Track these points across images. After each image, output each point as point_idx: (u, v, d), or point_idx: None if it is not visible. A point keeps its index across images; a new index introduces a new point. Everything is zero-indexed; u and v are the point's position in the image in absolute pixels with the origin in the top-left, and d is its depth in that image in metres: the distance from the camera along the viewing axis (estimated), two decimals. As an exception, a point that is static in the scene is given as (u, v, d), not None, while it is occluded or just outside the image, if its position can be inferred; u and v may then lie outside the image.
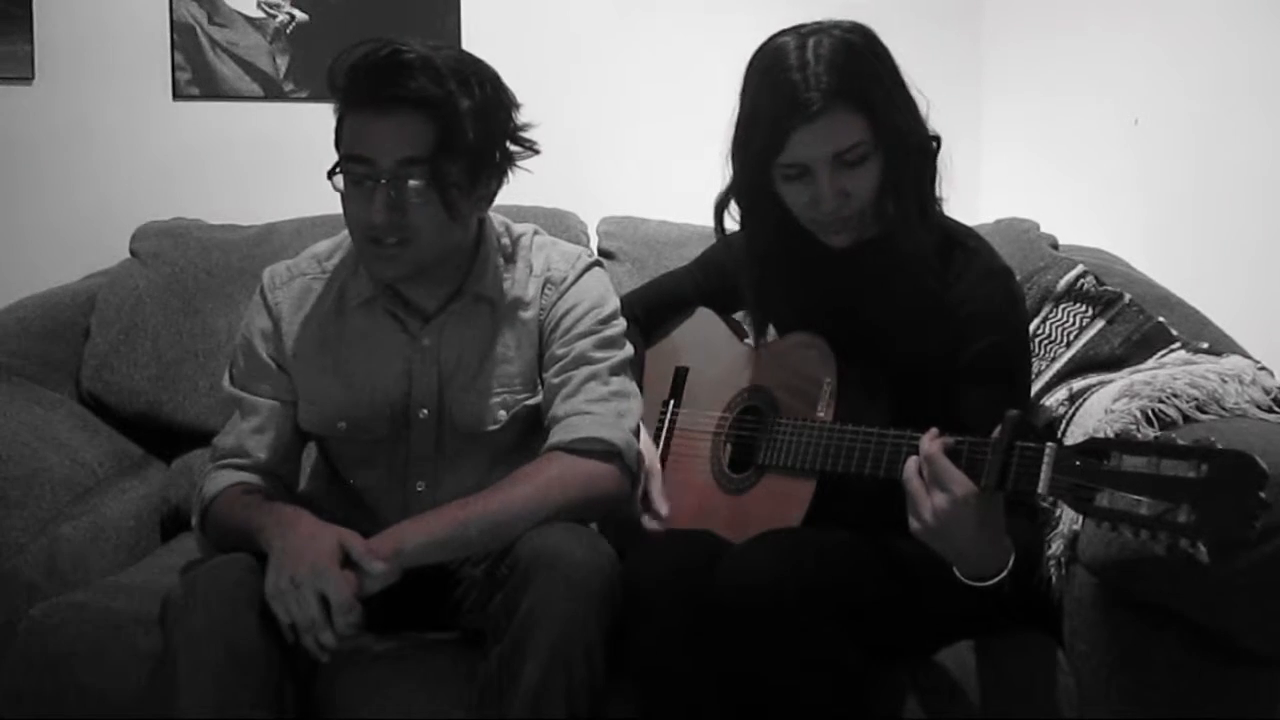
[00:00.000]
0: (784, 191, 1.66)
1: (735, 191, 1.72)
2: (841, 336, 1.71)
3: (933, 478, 1.46)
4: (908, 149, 1.64)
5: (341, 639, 1.51)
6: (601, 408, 1.72)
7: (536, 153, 1.73)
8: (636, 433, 1.76)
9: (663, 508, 1.77)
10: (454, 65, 1.64)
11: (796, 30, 1.63)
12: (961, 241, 1.73)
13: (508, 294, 1.77)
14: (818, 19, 1.65)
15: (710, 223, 2.26)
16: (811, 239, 1.70)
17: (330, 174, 1.66)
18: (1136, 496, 1.31)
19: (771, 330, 1.86)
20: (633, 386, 1.79)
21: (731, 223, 1.78)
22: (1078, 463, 1.38)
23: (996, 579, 1.50)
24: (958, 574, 1.51)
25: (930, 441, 1.48)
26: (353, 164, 1.63)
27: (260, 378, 1.78)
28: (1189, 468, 1.28)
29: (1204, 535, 1.26)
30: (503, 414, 1.76)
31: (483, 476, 1.73)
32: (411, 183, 1.62)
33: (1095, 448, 1.37)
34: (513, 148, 1.71)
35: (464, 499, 1.64)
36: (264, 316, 1.79)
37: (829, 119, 1.58)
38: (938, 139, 1.68)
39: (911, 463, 1.49)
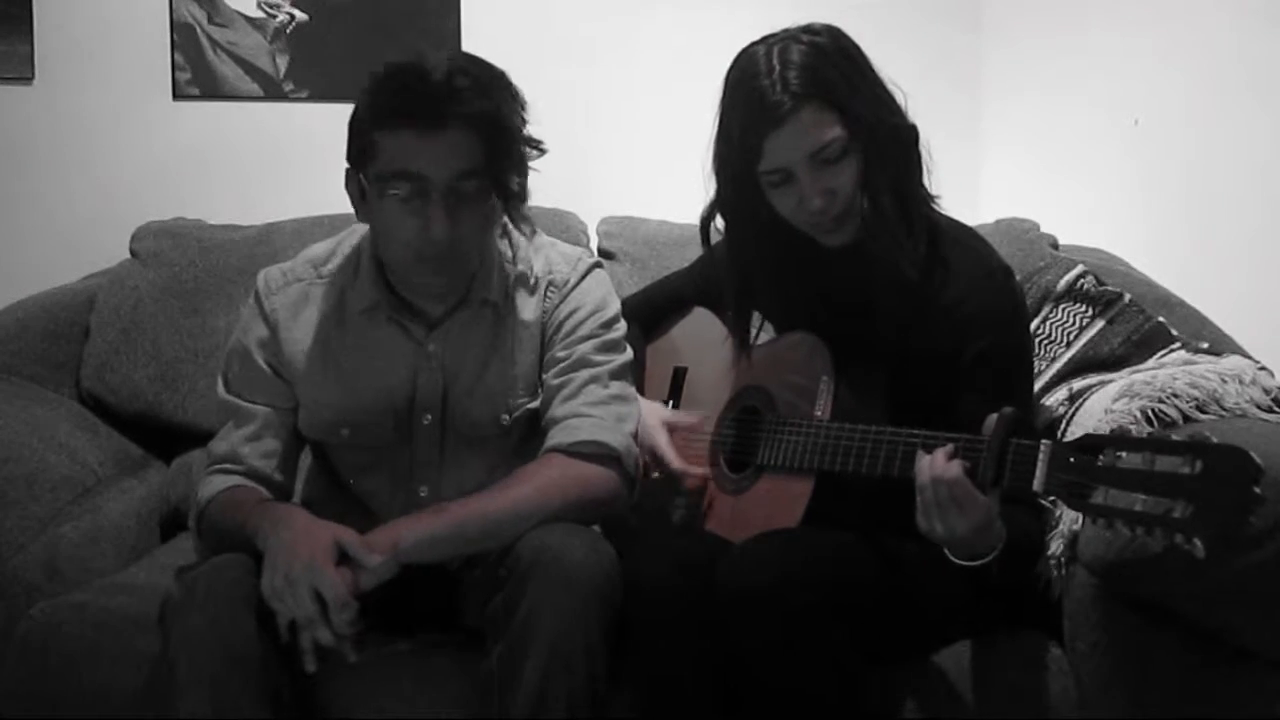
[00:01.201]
0: (772, 199, 1.66)
1: (719, 204, 1.73)
2: (838, 336, 1.71)
3: (954, 500, 1.46)
4: (884, 141, 1.64)
5: (339, 637, 1.51)
6: (601, 411, 1.72)
7: (544, 152, 1.74)
8: (635, 438, 1.75)
9: (672, 459, 1.78)
10: (490, 76, 1.64)
11: (765, 40, 1.65)
12: (960, 240, 1.73)
13: (510, 298, 1.77)
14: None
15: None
16: (803, 239, 1.70)
17: (362, 187, 1.65)
18: (1132, 493, 1.31)
19: (769, 330, 1.86)
20: (632, 391, 1.79)
21: (718, 235, 1.78)
22: (1073, 460, 1.38)
23: (986, 559, 1.51)
24: (948, 554, 1.52)
25: (951, 463, 1.47)
26: (402, 181, 1.61)
27: (256, 385, 1.77)
28: (1184, 463, 1.29)
29: (1199, 531, 1.27)
30: (505, 418, 1.76)
31: (484, 479, 1.72)
32: (466, 194, 1.61)
33: (1091, 445, 1.37)
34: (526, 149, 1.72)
35: (464, 498, 1.64)
36: (260, 323, 1.78)
37: (799, 120, 1.59)
38: (914, 128, 1.68)
39: (925, 472, 1.48)
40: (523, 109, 1.69)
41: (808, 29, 1.65)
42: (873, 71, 1.66)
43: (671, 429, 1.84)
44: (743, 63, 1.65)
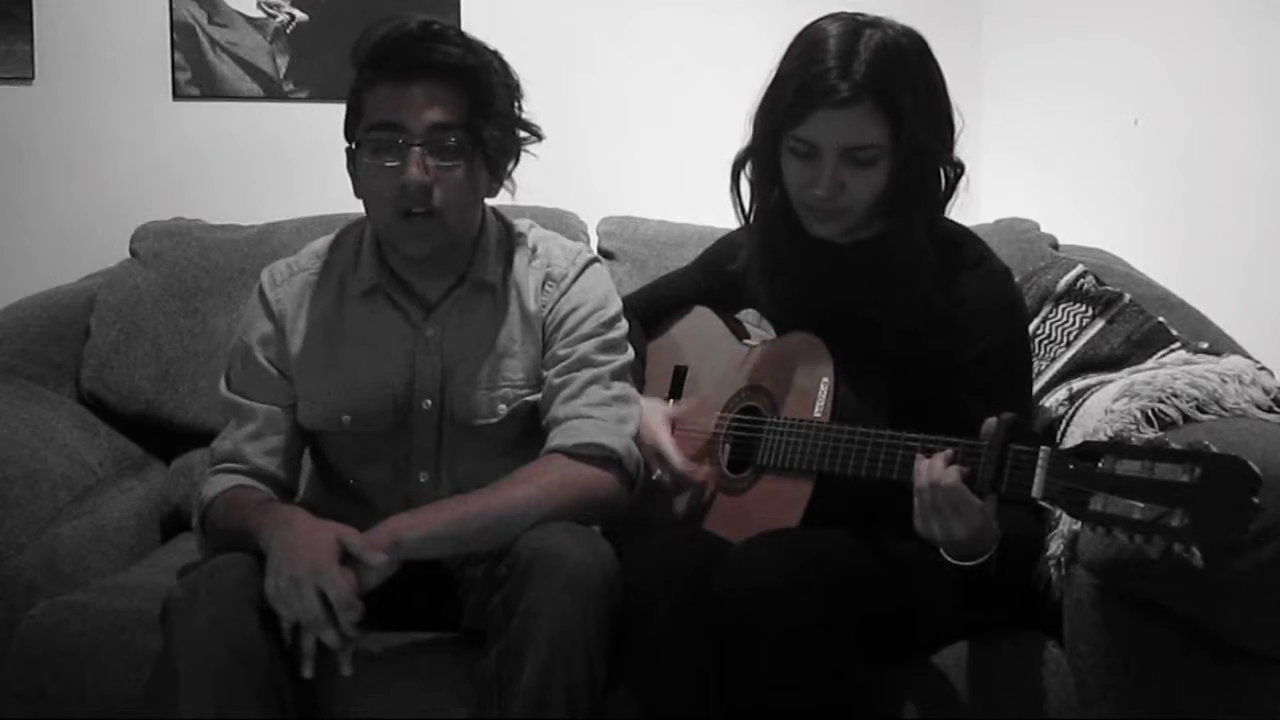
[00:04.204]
0: (786, 164, 1.65)
1: (752, 153, 1.71)
2: (840, 334, 1.71)
3: (951, 505, 1.46)
4: (924, 165, 1.63)
5: (345, 639, 1.51)
6: (603, 412, 1.71)
7: (541, 138, 1.74)
8: (636, 439, 1.75)
9: (677, 460, 1.78)
10: (475, 40, 1.69)
11: (854, 16, 1.63)
12: (960, 242, 1.73)
13: (508, 284, 1.77)
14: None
15: (711, 222, 2.28)
16: (809, 236, 1.70)
17: (352, 150, 1.67)
18: (1130, 501, 1.31)
19: (770, 329, 1.86)
20: (634, 392, 1.79)
21: (723, 231, 1.78)
22: (1071, 466, 1.38)
23: (981, 559, 1.51)
24: (944, 554, 1.52)
25: (949, 470, 1.47)
26: (380, 132, 1.64)
27: (258, 383, 1.77)
28: (1182, 471, 1.29)
29: (1197, 539, 1.27)
30: (502, 408, 1.75)
31: (483, 469, 1.72)
32: (445, 147, 1.63)
33: (1089, 451, 1.37)
34: (521, 133, 1.73)
35: (463, 495, 1.65)
36: (263, 319, 1.78)
37: (852, 111, 1.58)
38: (961, 166, 1.67)
39: (923, 477, 1.48)
40: (516, 89, 1.71)
41: (894, 25, 1.62)
42: (942, 93, 1.64)
43: (674, 424, 1.83)
44: (822, 30, 1.62)
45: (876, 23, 1.62)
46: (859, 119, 1.58)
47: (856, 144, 1.59)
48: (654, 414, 1.82)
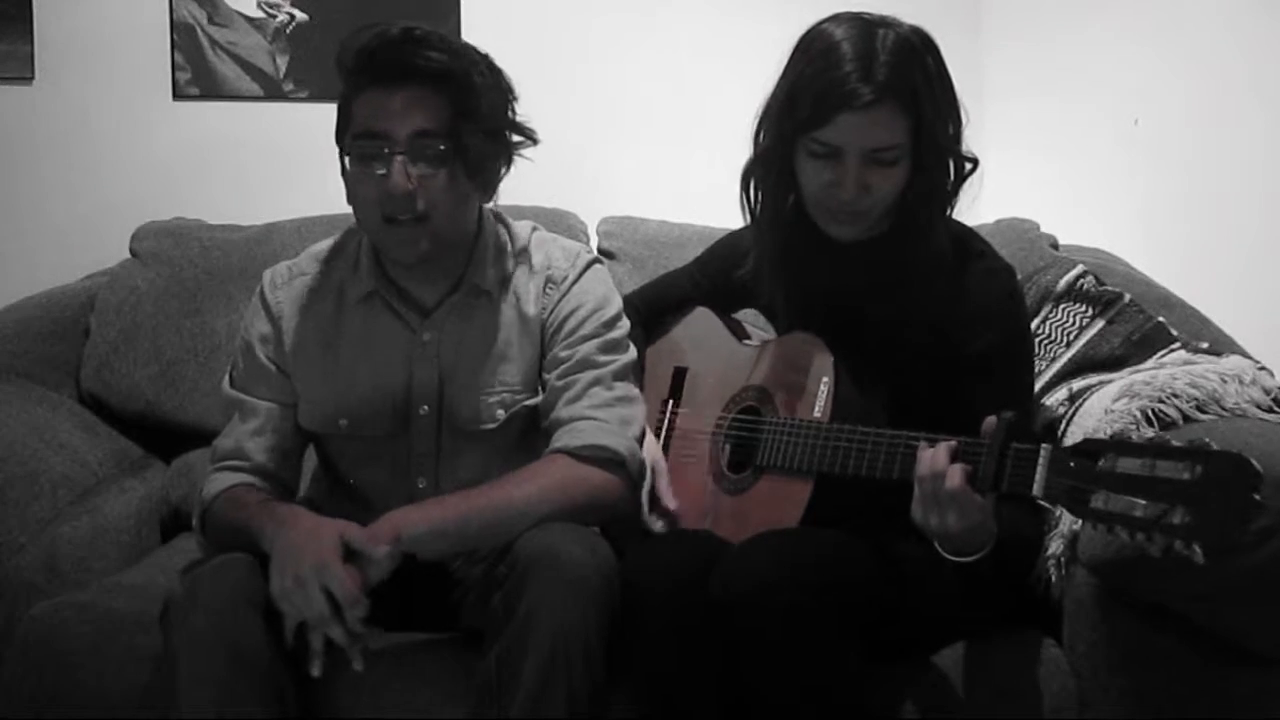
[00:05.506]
0: (804, 167, 1.64)
1: (764, 159, 1.70)
2: (843, 333, 1.71)
3: (952, 498, 1.46)
4: (942, 163, 1.63)
5: (352, 636, 1.51)
6: (606, 414, 1.71)
7: (536, 141, 1.74)
8: (640, 439, 1.75)
9: (670, 503, 1.77)
10: (461, 44, 1.68)
11: (860, 16, 1.62)
12: (963, 240, 1.73)
13: (507, 288, 1.77)
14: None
15: (711, 222, 2.28)
16: (810, 235, 1.70)
17: (342, 158, 1.67)
18: (1131, 498, 1.31)
19: (770, 329, 1.86)
20: (636, 392, 1.79)
21: (723, 231, 1.77)
22: (1072, 464, 1.38)
23: (976, 555, 1.51)
24: (939, 549, 1.52)
25: (954, 468, 1.47)
26: (365, 141, 1.64)
27: (259, 380, 1.78)
28: (1184, 469, 1.28)
29: (1198, 537, 1.26)
30: (501, 413, 1.75)
31: (482, 473, 1.72)
32: (428, 154, 1.63)
33: (1090, 449, 1.37)
34: (514, 137, 1.72)
35: (466, 491, 1.65)
36: (263, 319, 1.79)
37: (877, 113, 1.57)
38: (975, 160, 1.67)
39: (925, 465, 1.48)
40: (508, 92, 1.70)
41: (901, 24, 1.62)
42: (952, 89, 1.64)
43: (654, 470, 1.81)
44: (833, 31, 1.62)
45: (885, 22, 1.62)
46: (882, 120, 1.58)
47: (880, 145, 1.59)
48: (650, 452, 1.80)
